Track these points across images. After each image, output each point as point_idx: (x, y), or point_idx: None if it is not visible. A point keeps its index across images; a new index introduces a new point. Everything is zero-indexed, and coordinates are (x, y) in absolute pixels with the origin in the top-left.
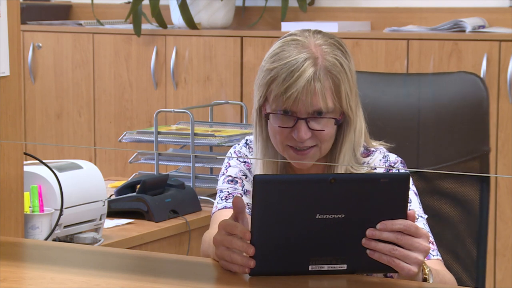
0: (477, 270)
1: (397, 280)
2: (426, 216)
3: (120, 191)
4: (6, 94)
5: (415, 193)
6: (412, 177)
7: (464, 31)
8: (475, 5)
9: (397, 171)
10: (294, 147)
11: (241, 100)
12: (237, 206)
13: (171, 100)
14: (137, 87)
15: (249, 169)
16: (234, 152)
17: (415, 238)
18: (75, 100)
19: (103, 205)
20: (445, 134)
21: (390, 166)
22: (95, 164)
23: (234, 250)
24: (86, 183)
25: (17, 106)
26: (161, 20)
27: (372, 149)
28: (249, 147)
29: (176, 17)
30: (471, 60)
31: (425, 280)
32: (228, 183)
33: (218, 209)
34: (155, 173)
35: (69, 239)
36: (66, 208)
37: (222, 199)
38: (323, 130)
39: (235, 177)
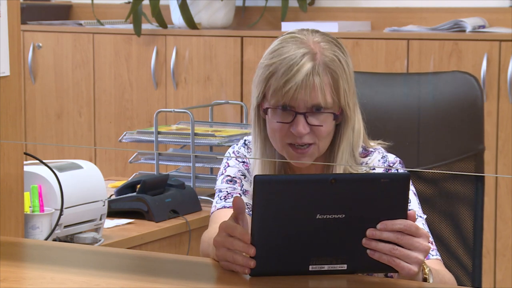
0: (473, 269)
1: (397, 280)
2: (425, 216)
3: (120, 191)
4: (6, 94)
5: (414, 193)
6: (410, 177)
7: (464, 31)
8: (475, 5)
9: (397, 171)
10: (293, 143)
11: (241, 100)
12: (238, 206)
13: (171, 100)
14: (137, 87)
15: (247, 169)
16: (233, 152)
17: (415, 237)
18: (75, 100)
19: (103, 205)
20: (441, 133)
21: (389, 166)
22: (95, 164)
23: (235, 251)
24: (86, 183)
25: (17, 106)
26: (161, 20)
27: (371, 149)
28: (248, 148)
29: (176, 17)
30: (471, 60)
31: (425, 280)
32: (227, 183)
33: (217, 209)
34: (155, 173)
35: (69, 239)
36: (66, 208)
37: (221, 199)
38: (322, 126)
39: (234, 177)
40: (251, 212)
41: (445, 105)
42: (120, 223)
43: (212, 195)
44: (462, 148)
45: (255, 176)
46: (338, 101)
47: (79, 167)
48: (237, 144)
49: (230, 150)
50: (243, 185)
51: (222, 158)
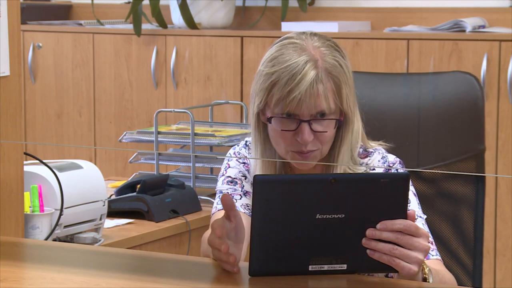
0: (474, 269)
1: (397, 280)
2: (425, 216)
3: (120, 191)
4: (6, 94)
5: (414, 193)
6: (410, 177)
7: (464, 31)
8: (475, 5)
9: (397, 171)
10: (298, 151)
11: (241, 100)
12: (226, 204)
13: (171, 100)
14: (137, 87)
15: (248, 170)
16: (234, 153)
17: (415, 237)
18: (75, 100)
19: (103, 205)
20: (442, 133)
21: (389, 166)
22: (95, 164)
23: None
24: (86, 183)
25: (17, 106)
26: (161, 20)
27: (371, 149)
28: (249, 148)
29: (176, 17)
30: (471, 60)
31: (425, 279)
32: (228, 184)
33: (218, 210)
34: (155, 173)
35: (69, 239)
36: (66, 208)
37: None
38: (326, 132)
39: (234, 178)
40: (251, 212)
41: (446, 105)
42: (120, 223)
43: (212, 195)
44: (463, 148)
45: (255, 176)
46: (340, 105)
47: (79, 167)
48: (238, 145)
49: (231, 151)
50: (243, 186)
51: (222, 158)
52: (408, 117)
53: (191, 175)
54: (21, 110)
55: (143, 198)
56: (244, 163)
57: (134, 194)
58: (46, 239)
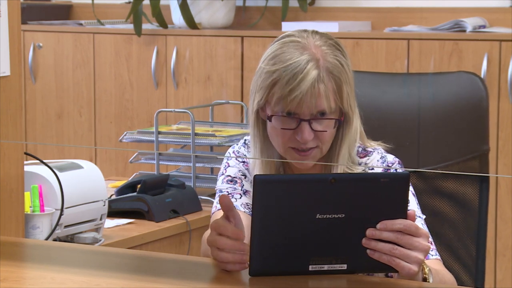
0: (476, 270)
1: (397, 280)
2: (424, 216)
3: (121, 191)
4: (7, 94)
5: (413, 193)
6: (410, 177)
7: (464, 31)
8: (476, 5)
9: (396, 171)
10: (296, 148)
11: (242, 100)
12: (225, 204)
13: (172, 100)
14: (137, 87)
15: (248, 169)
16: (233, 152)
17: (415, 237)
18: (75, 100)
19: (104, 205)
20: (445, 133)
21: (388, 166)
22: (95, 164)
23: (226, 250)
24: (87, 183)
25: (17, 106)
26: (162, 20)
27: (370, 149)
28: (248, 147)
29: (176, 17)
30: (472, 60)
31: (425, 279)
32: (228, 183)
33: (218, 209)
34: (155, 173)
35: (70, 239)
36: (66, 208)
37: None
38: (326, 131)
39: (234, 177)
40: (251, 212)
41: (450, 105)
42: (121, 223)
43: (213, 195)
44: (467, 149)
45: (255, 176)
46: (341, 105)
47: (79, 167)
48: (237, 144)
49: (230, 150)
50: (243, 185)
51: (223, 158)
52: (409, 117)
53: (192, 175)
54: (22, 110)
55: (143, 198)
56: (243, 162)
57: (135, 194)
58: (47, 239)
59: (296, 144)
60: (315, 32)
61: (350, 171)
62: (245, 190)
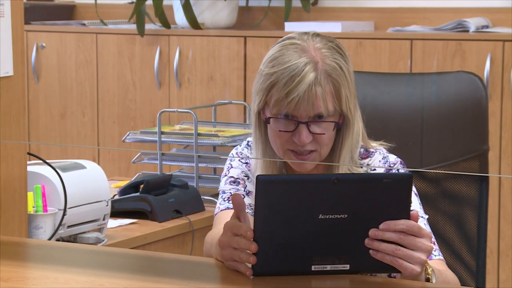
0: (477, 270)
1: (400, 280)
2: (427, 216)
3: (124, 191)
4: (10, 94)
5: (415, 193)
6: (412, 177)
7: (467, 31)
8: (479, 5)
9: (399, 172)
10: (295, 150)
11: (245, 100)
12: (237, 203)
13: (175, 100)
14: (140, 87)
15: (251, 170)
16: (236, 153)
17: (418, 238)
18: (78, 100)
19: (107, 205)
20: (445, 133)
21: (390, 167)
22: (98, 164)
23: (241, 250)
24: (90, 183)
25: (20, 106)
26: (165, 20)
27: (372, 150)
28: (251, 148)
29: (179, 17)
30: (475, 60)
31: (428, 280)
32: (230, 184)
33: (221, 210)
34: (158, 173)
35: (73, 239)
36: (69, 208)
37: (224, 200)
38: (324, 134)
39: (237, 178)
40: (253, 213)
41: (450, 105)
42: (124, 223)
43: (215, 195)
44: (467, 149)
45: (258, 176)
46: (340, 108)
47: (82, 167)
48: (240, 145)
49: (233, 151)
50: (246, 186)
51: (225, 158)
52: (412, 117)
53: (194, 175)
54: (25, 110)
55: (146, 198)
56: (246, 163)
57: (138, 194)
58: (50, 239)
59: (294, 146)
60: (316, 35)
61: (353, 172)
62: (248, 191)
